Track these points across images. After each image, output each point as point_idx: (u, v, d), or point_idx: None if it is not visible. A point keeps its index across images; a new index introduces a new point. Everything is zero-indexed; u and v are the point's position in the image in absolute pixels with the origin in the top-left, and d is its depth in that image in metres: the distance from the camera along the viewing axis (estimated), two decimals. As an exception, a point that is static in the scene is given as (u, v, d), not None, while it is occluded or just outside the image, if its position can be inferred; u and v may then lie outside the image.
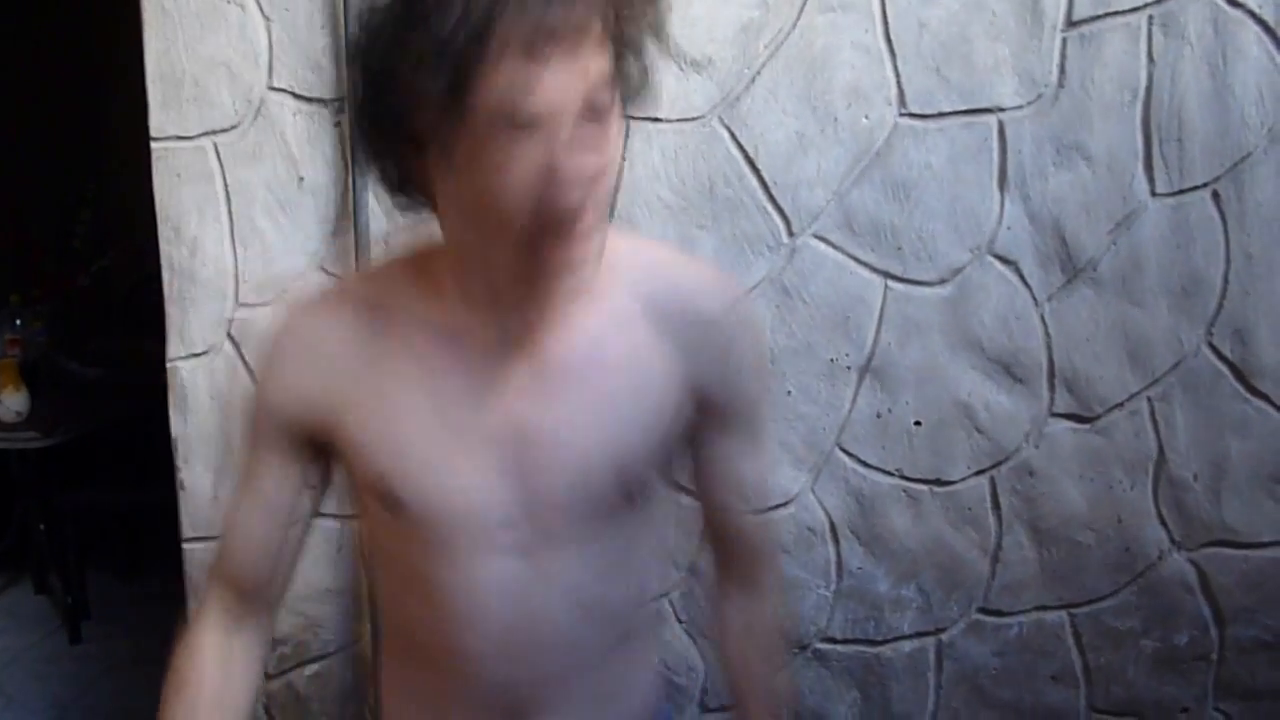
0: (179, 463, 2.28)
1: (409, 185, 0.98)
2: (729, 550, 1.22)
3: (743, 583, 1.22)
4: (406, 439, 1.00)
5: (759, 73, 2.16)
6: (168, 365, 2.25)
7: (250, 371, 2.25)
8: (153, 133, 2.17)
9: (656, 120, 2.17)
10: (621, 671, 1.15)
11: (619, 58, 0.90)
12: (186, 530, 2.30)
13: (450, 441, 1.00)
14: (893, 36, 2.15)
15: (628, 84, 0.92)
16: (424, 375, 1.00)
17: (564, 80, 0.84)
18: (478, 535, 1.01)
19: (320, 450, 1.07)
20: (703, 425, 1.10)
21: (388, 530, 1.06)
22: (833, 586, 2.34)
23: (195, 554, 2.31)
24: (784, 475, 2.28)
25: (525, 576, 1.02)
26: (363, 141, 0.98)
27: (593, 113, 0.88)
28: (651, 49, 0.94)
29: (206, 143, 2.18)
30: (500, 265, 0.94)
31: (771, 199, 2.20)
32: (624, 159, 2.19)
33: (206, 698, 1.09)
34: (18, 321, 3.79)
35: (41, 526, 3.65)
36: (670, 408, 1.05)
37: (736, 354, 1.09)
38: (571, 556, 1.03)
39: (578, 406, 1.01)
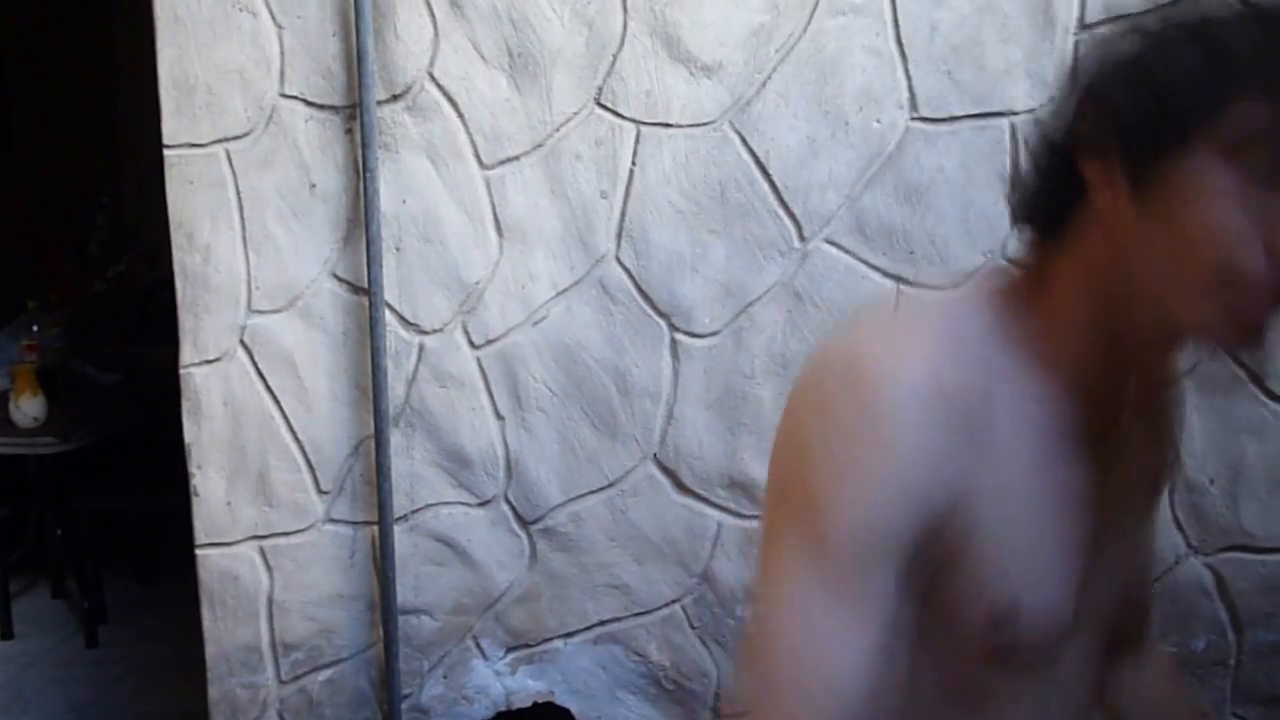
0: (192, 469, 2.29)
1: (1062, 216, 0.83)
2: (1129, 617, 1.05)
3: (1143, 649, 1.11)
4: (1024, 545, 0.82)
5: (770, 77, 2.16)
6: (181, 371, 2.26)
7: (264, 380, 2.26)
8: (165, 140, 2.18)
9: (667, 125, 2.17)
10: None
11: None
12: (200, 536, 2.31)
13: (1057, 539, 0.84)
14: (904, 40, 2.15)
15: None
16: (1029, 463, 0.82)
17: None
18: (1058, 642, 0.87)
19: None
20: None
21: (956, 649, 0.85)
22: (846, 592, 2.33)
23: (208, 560, 2.31)
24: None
25: (1079, 681, 0.93)
26: (1044, 155, 0.84)
27: None
28: None
29: (219, 150, 2.19)
30: (1136, 341, 0.80)
31: (783, 203, 2.19)
32: (635, 163, 2.19)
33: None
34: (35, 327, 3.81)
35: (58, 531, 3.67)
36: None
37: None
38: (1097, 657, 0.96)
39: (1129, 493, 0.91)
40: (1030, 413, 0.82)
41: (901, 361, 0.78)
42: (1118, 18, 2.13)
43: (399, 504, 2.29)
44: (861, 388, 0.77)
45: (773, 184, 2.18)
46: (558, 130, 2.18)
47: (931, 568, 0.80)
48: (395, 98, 2.18)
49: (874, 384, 0.77)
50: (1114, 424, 0.86)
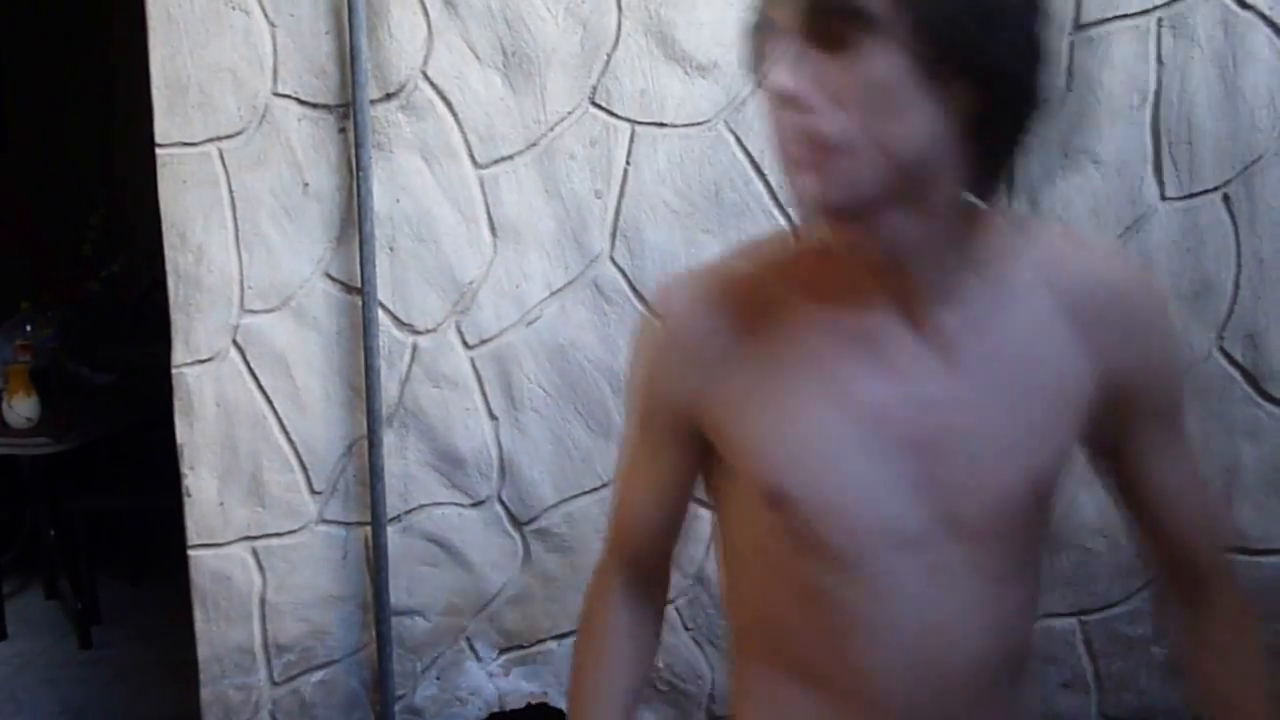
0: (184, 469, 2.28)
1: None
2: (1180, 568, 1.04)
3: (1202, 602, 1.05)
4: (804, 434, 0.91)
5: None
6: (173, 372, 2.25)
7: (256, 380, 2.26)
8: (158, 139, 2.18)
9: (662, 125, 2.16)
10: (1018, 713, 1.03)
11: None
12: (191, 537, 2.30)
13: (857, 439, 0.91)
14: (899, 40, 2.14)
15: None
16: (818, 363, 0.91)
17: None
18: (885, 545, 0.92)
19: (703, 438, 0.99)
20: (1124, 422, 0.96)
21: (768, 532, 0.96)
22: (840, 593, 2.33)
23: (200, 560, 2.31)
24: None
25: (934, 595, 0.92)
26: None
27: (820, 38, 0.80)
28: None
29: (211, 149, 2.18)
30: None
31: (778, 203, 2.19)
32: (629, 163, 2.18)
33: (621, 671, 1.10)
34: (28, 328, 3.79)
35: (52, 532, 3.65)
36: (1081, 399, 0.93)
37: (1155, 334, 0.96)
38: (984, 575, 0.93)
39: (987, 396, 0.91)
40: (819, 319, 0.92)
41: (685, 283, 0.98)
42: (1113, 17, 2.13)
43: (392, 505, 2.29)
44: (658, 304, 1.00)
45: (768, 184, 2.18)
46: (552, 130, 2.18)
47: (709, 437, 0.98)
48: (389, 97, 2.17)
49: (663, 300, 0.99)
50: (920, 323, 0.90)
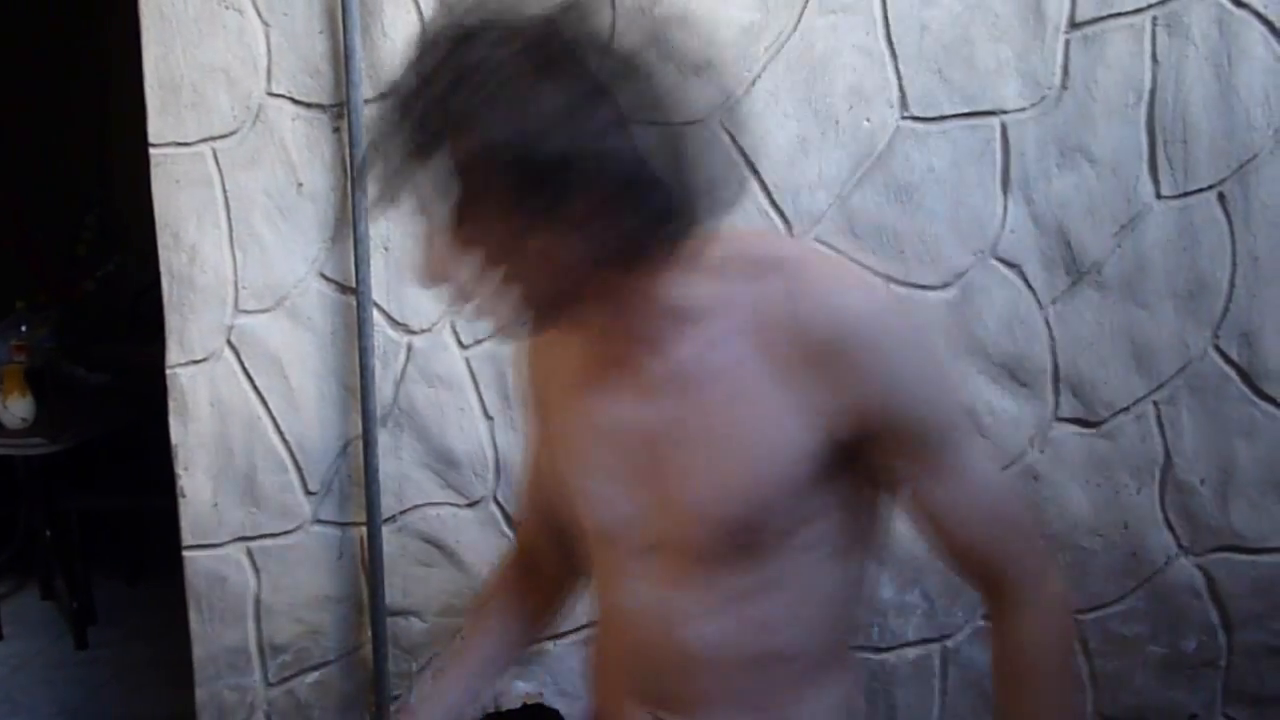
0: (179, 470, 2.27)
1: None
2: (981, 585, 1.07)
3: (1002, 617, 1.07)
4: (572, 454, 1.08)
5: (760, 75, 2.15)
6: (167, 372, 2.25)
7: (251, 380, 2.25)
8: (151, 139, 2.17)
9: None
10: (780, 710, 1.07)
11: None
12: (187, 537, 2.30)
13: (602, 465, 1.04)
14: (894, 39, 2.14)
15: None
16: (584, 395, 1.05)
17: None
18: (625, 553, 1.05)
19: None
20: (885, 458, 0.97)
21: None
22: (836, 592, 2.33)
23: (195, 561, 2.30)
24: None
25: (661, 597, 1.03)
26: None
27: (435, 220, 0.93)
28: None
29: (205, 149, 2.18)
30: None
31: (773, 202, 2.18)
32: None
33: (500, 604, 1.28)
34: (23, 328, 3.79)
35: (47, 532, 3.65)
36: (798, 439, 0.94)
37: (879, 372, 0.93)
38: (698, 589, 1.01)
39: (687, 433, 0.98)
40: (576, 359, 1.05)
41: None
42: (1108, 16, 2.13)
43: (387, 505, 2.28)
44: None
45: (763, 182, 2.18)
46: (546, 129, 2.17)
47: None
48: (383, 96, 2.16)
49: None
50: (635, 371, 1.00)
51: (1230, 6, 2.13)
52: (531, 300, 0.93)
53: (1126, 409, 2.25)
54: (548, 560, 1.25)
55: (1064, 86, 2.15)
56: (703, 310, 0.96)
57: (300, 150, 2.18)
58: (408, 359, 2.26)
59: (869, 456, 0.97)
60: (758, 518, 0.97)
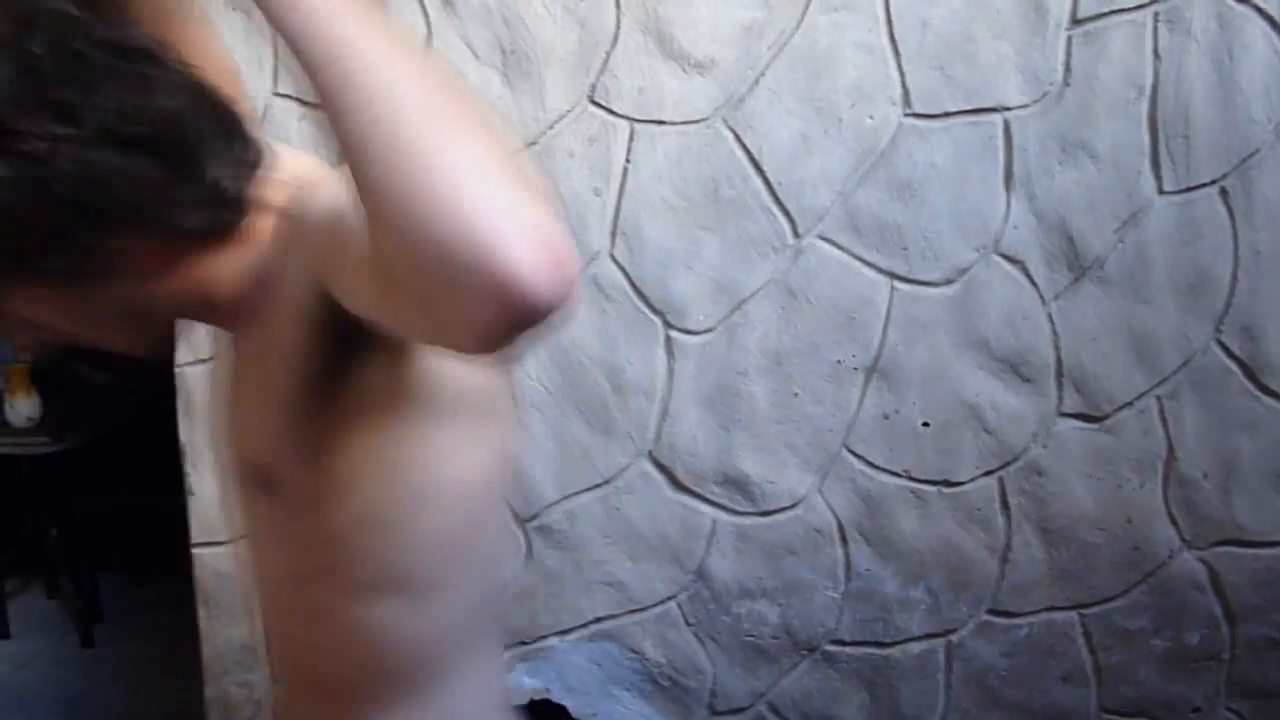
0: (187, 468, 2.28)
1: None
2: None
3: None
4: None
5: (763, 74, 2.16)
6: (175, 370, 2.26)
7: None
8: (158, 139, 2.18)
9: (660, 123, 2.17)
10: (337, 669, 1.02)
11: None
12: (196, 535, 2.31)
13: (220, 413, 1.04)
14: (896, 36, 2.15)
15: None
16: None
17: None
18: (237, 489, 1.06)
19: None
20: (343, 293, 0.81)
21: None
22: (841, 588, 2.34)
23: (205, 559, 2.31)
24: (791, 477, 2.27)
25: (251, 531, 1.07)
26: None
27: None
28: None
29: (211, 149, 2.18)
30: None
31: (776, 200, 2.19)
32: (629, 160, 2.18)
33: None
34: (28, 327, 3.80)
35: (53, 531, 3.66)
36: (297, 360, 0.90)
37: (303, 229, 0.86)
38: (261, 524, 1.05)
39: (246, 394, 0.99)
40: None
41: None
42: (1110, 12, 2.14)
43: (394, 502, 2.29)
44: None
45: (766, 180, 2.19)
46: (551, 128, 2.18)
47: None
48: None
49: None
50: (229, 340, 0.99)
51: (1231, 2, 2.13)
52: (104, 334, 0.92)
53: (1129, 404, 2.26)
54: None
55: (1066, 83, 2.16)
56: (262, 295, 0.91)
57: (306, 150, 2.18)
58: (413, 357, 2.26)
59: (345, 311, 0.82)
60: (273, 445, 0.96)
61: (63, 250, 0.80)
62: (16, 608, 3.73)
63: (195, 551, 2.32)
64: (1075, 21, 2.15)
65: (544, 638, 2.37)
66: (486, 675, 1.08)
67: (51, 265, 0.81)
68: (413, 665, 0.99)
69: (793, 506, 2.29)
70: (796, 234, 2.20)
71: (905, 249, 2.21)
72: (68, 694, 3.26)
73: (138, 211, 0.81)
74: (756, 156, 2.18)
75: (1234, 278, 2.22)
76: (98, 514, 3.78)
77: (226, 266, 0.90)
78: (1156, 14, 2.14)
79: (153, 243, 0.85)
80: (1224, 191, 2.19)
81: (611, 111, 2.17)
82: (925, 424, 2.27)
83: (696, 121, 2.17)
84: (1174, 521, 2.31)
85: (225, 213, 0.87)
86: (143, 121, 0.78)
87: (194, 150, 0.82)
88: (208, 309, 0.94)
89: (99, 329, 0.91)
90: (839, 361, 2.24)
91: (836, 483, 2.29)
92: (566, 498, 2.30)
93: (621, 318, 2.24)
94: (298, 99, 2.17)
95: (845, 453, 2.28)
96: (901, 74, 2.16)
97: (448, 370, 0.92)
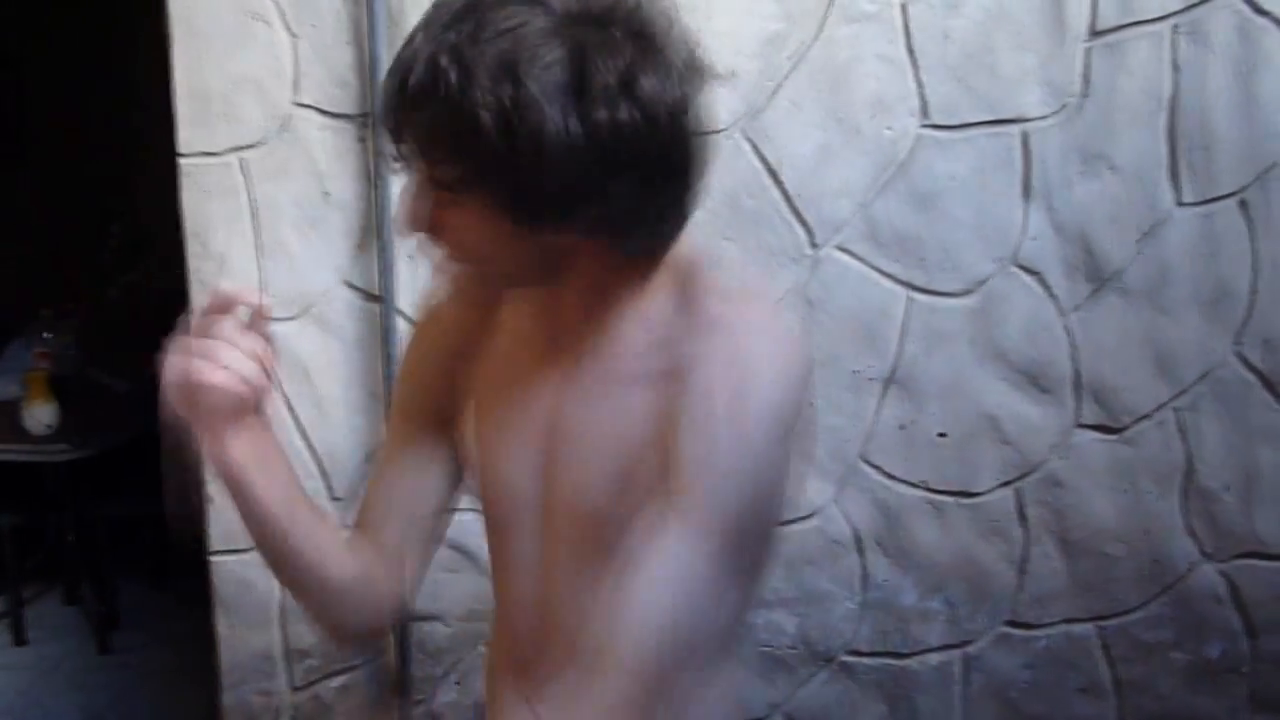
0: (207, 476, 2.29)
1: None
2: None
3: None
4: (492, 419, 1.08)
5: (782, 85, 2.16)
6: (196, 379, 2.27)
7: (278, 387, 2.27)
8: (180, 149, 2.19)
9: (679, 133, 2.17)
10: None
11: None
12: (215, 543, 2.32)
13: (506, 438, 1.07)
14: (915, 47, 2.15)
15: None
16: (504, 374, 1.07)
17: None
18: (514, 514, 1.09)
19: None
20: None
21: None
22: (858, 599, 2.33)
23: (223, 566, 2.32)
24: (809, 487, 2.27)
25: (540, 565, 1.07)
26: None
27: (434, 181, 0.92)
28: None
29: (233, 159, 2.20)
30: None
31: (795, 211, 2.20)
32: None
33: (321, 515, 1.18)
34: (48, 334, 3.82)
35: (72, 538, 3.67)
36: (650, 448, 0.93)
37: (695, 399, 0.90)
38: (576, 559, 1.03)
39: (598, 414, 0.99)
40: (518, 330, 1.07)
41: (448, 288, 1.14)
42: (1130, 24, 2.14)
43: (412, 511, 2.29)
44: (424, 303, 1.21)
45: (785, 191, 2.19)
46: (570, 138, 2.18)
47: (456, 428, 1.13)
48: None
49: (429, 300, 1.19)
50: (563, 332, 1.02)
51: (1251, 14, 2.13)
52: (509, 277, 0.99)
53: (1149, 415, 2.26)
54: (384, 555, 1.22)
55: (1085, 94, 2.16)
56: (649, 325, 0.98)
57: (327, 160, 2.20)
58: (433, 366, 2.27)
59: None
60: (627, 496, 0.95)
61: (572, 192, 0.87)
62: (35, 614, 3.74)
63: (214, 559, 2.32)
64: (1095, 33, 2.15)
65: (561, 647, 2.37)
66: (724, 689, 1.10)
67: (548, 201, 0.88)
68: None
69: (810, 517, 2.29)
70: (815, 244, 2.20)
71: (924, 260, 2.21)
72: (85, 701, 3.27)
73: (651, 187, 0.91)
74: (776, 167, 2.18)
75: (1254, 290, 2.21)
76: (116, 521, 3.79)
77: (629, 285, 0.98)
78: (1176, 26, 2.14)
79: (616, 222, 0.92)
80: (1244, 203, 2.19)
81: (631, 122, 2.17)
82: (943, 435, 2.27)
83: (716, 132, 2.17)
84: (1193, 534, 2.30)
85: (666, 241, 0.97)
86: (694, 122, 0.95)
87: (694, 172, 0.96)
88: (585, 306, 0.99)
89: (510, 266, 0.96)
90: (857, 372, 2.24)
91: (854, 493, 2.29)
92: (584, 507, 2.30)
93: (640, 328, 2.24)
94: (318, 109, 2.19)
95: (863, 463, 2.28)
96: (921, 85, 2.16)
97: None
